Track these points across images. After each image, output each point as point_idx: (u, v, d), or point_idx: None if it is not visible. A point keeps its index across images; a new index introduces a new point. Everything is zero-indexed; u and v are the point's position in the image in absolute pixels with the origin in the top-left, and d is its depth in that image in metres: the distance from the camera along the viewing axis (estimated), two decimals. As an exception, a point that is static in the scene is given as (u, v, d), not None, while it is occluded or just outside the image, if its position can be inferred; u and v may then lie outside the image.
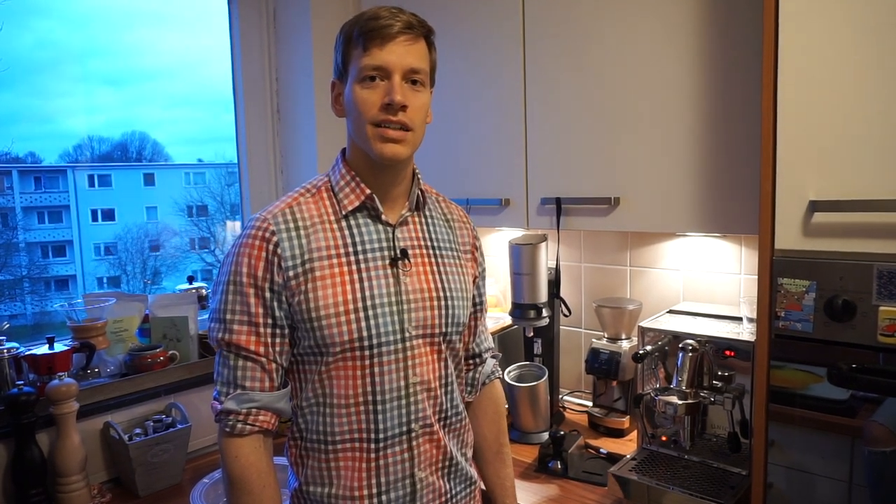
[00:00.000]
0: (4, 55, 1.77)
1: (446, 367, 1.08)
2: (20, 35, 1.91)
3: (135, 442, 1.55)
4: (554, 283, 1.83)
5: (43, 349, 1.55)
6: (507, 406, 1.58)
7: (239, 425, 0.98)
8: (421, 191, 1.10)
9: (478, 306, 1.22)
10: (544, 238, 1.78)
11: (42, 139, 2.12)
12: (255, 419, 0.99)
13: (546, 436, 1.73)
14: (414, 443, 1.04)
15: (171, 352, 1.79)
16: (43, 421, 1.48)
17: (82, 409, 1.53)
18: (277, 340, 1.00)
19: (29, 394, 1.43)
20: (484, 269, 1.24)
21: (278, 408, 1.01)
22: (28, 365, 1.54)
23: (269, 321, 0.99)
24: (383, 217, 1.05)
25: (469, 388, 1.23)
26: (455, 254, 1.13)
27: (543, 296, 1.77)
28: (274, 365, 1.01)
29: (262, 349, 0.99)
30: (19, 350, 1.57)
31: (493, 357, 1.28)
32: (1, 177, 2.18)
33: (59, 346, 1.57)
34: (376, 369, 1.00)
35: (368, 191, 1.03)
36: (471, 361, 1.24)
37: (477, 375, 1.24)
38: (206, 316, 1.87)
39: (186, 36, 2.28)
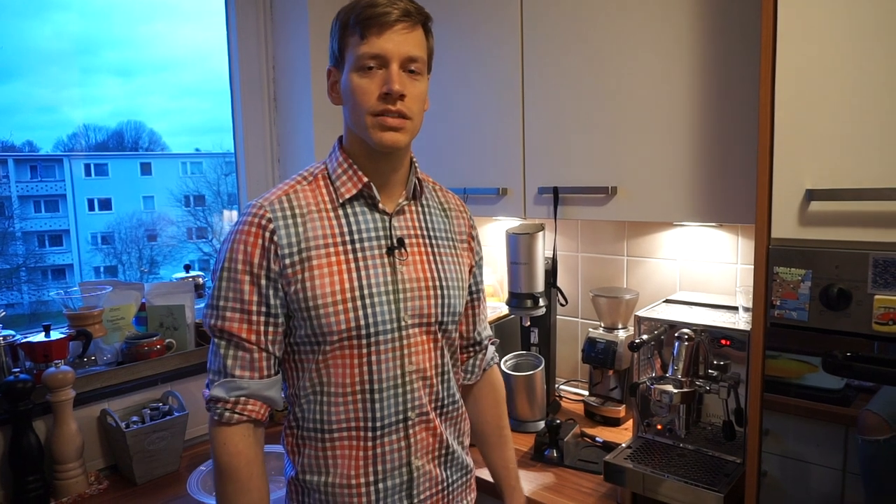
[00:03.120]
0: (23, 47, 1.77)
1: (442, 355, 1.08)
2: (39, 27, 1.92)
3: (132, 430, 1.55)
4: (551, 273, 1.83)
5: (39, 337, 1.55)
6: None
7: (227, 413, 0.98)
8: (418, 179, 1.10)
9: (475, 294, 1.22)
10: (541, 227, 1.78)
11: (44, 129, 2.12)
12: (243, 408, 0.99)
13: (542, 424, 1.74)
14: (410, 431, 1.04)
15: (167, 340, 1.79)
16: (40, 408, 1.49)
17: (79, 397, 1.53)
18: (270, 329, 1.00)
19: (25, 381, 1.44)
20: (481, 258, 1.23)
21: (267, 396, 1.01)
22: (24, 353, 1.54)
23: (263, 309, 0.99)
24: (380, 205, 1.04)
25: (469, 375, 1.23)
26: (451, 243, 1.13)
27: (540, 285, 1.77)
28: (265, 354, 1.00)
29: (252, 337, 0.99)
30: (15, 338, 1.57)
31: (491, 344, 1.29)
32: (-3, 166, 2.18)
33: (56, 334, 1.56)
34: (373, 358, 1.00)
35: (366, 179, 1.03)
36: (472, 349, 1.24)
37: (477, 362, 1.24)
38: (202, 305, 1.87)
39: (199, 27, 2.28)
